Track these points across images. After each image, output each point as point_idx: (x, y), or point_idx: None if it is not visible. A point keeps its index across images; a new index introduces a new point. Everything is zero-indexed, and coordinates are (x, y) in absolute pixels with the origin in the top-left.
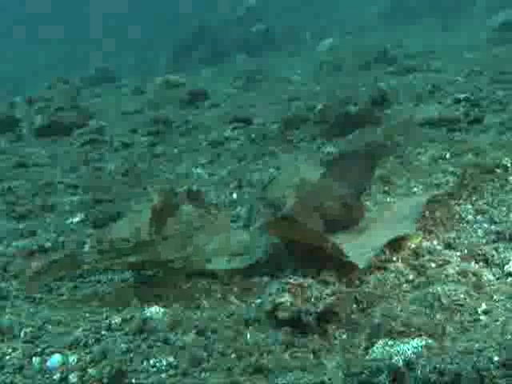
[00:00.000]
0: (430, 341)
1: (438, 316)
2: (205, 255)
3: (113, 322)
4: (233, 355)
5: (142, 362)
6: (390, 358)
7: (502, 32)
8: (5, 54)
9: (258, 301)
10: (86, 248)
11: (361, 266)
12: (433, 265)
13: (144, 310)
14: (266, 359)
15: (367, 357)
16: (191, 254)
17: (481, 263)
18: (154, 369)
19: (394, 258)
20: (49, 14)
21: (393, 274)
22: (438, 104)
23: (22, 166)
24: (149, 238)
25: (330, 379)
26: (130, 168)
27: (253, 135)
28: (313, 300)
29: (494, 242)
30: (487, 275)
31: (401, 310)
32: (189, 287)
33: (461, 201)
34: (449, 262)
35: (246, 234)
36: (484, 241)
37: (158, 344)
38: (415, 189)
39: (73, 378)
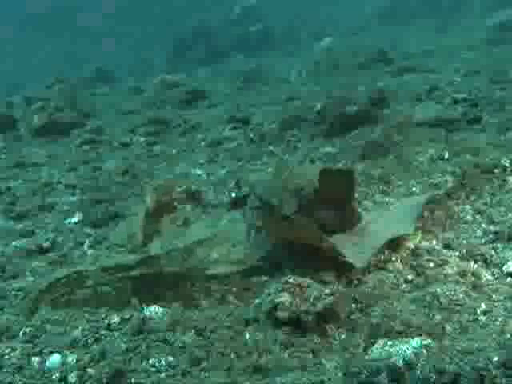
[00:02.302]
0: (429, 341)
1: (437, 316)
2: (206, 265)
3: (112, 321)
4: (232, 355)
5: (142, 362)
6: (390, 358)
7: (500, 32)
8: (3, 54)
9: (257, 301)
10: (85, 247)
11: (358, 266)
12: (432, 265)
13: (143, 310)
14: (265, 359)
15: (367, 357)
16: (193, 264)
17: (480, 263)
18: (154, 368)
19: (393, 258)
20: (48, 14)
21: (392, 274)
22: (436, 104)
23: (21, 166)
24: (142, 238)
25: (329, 379)
26: (129, 168)
27: (251, 135)
28: (312, 300)
29: (492, 242)
30: (486, 275)
31: (400, 310)
32: (188, 287)
33: (459, 201)
34: (448, 262)
35: (246, 242)
36: (483, 241)
37: (158, 344)
38: (414, 189)
39: (72, 377)
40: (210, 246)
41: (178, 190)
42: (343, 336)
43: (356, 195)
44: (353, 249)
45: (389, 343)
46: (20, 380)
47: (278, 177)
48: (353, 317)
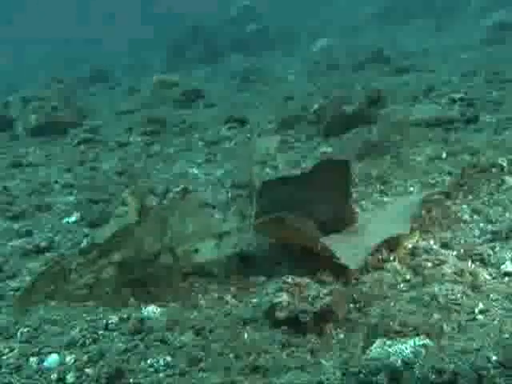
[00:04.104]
0: (427, 340)
1: (435, 315)
2: (187, 241)
3: (110, 321)
4: (230, 355)
5: (140, 362)
6: (388, 358)
7: (496, 32)
8: (1, 54)
9: (256, 300)
10: (83, 247)
11: (352, 267)
12: (430, 264)
13: (141, 310)
14: (263, 359)
15: (365, 356)
16: (172, 241)
17: (477, 263)
18: (152, 368)
19: (391, 258)
20: (46, 14)
21: (390, 274)
22: (434, 104)
23: (18, 166)
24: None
25: (328, 379)
26: (126, 168)
27: (248, 135)
28: (310, 299)
29: (490, 241)
30: (484, 275)
31: (398, 310)
32: (186, 287)
33: (457, 200)
34: (445, 262)
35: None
36: (480, 240)
37: (156, 344)
38: (412, 188)
39: (70, 377)
40: (183, 215)
41: (176, 189)
42: (342, 336)
43: (353, 191)
44: (347, 249)
45: (387, 343)
46: (18, 380)
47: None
48: (351, 316)
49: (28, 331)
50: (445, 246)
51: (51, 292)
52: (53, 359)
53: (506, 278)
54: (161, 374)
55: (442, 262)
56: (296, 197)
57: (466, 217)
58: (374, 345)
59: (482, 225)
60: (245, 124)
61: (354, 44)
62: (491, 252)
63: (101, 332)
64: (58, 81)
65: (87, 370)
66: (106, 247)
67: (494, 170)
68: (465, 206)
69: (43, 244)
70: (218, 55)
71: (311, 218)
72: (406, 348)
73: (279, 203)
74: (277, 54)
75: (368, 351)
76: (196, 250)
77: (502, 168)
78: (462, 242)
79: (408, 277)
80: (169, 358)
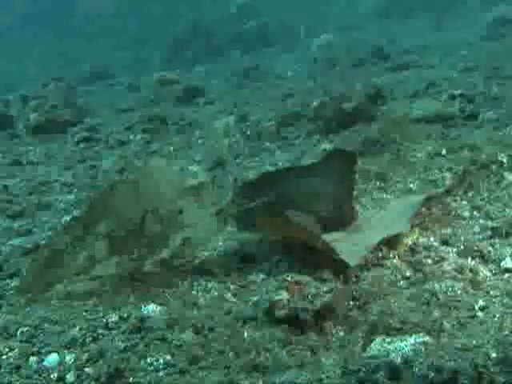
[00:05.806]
0: (427, 338)
1: (435, 313)
2: (165, 199)
3: (110, 320)
4: (230, 353)
5: (140, 361)
6: (388, 355)
7: (496, 28)
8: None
9: (255, 299)
10: None
11: (352, 265)
12: (429, 261)
13: (141, 309)
14: (263, 357)
15: (365, 354)
16: (151, 202)
17: (477, 259)
18: (152, 367)
19: (391, 255)
20: (44, 13)
21: (390, 271)
22: (433, 100)
23: (17, 165)
24: None
25: (327, 377)
26: (126, 166)
27: (248, 132)
28: (310, 297)
29: (490, 238)
30: (484, 271)
31: (398, 307)
32: (186, 286)
33: (457, 197)
34: (445, 259)
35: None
36: (480, 237)
37: (156, 342)
38: (412, 185)
39: (70, 377)
40: (151, 175)
41: None
42: (341, 334)
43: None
44: (348, 247)
45: (387, 340)
46: (18, 380)
47: None
48: (351, 314)
49: (28, 330)
50: (445, 242)
51: (50, 280)
52: (52, 358)
53: (506, 275)
54: (161, 373)
55: (442, 259)
56: (296, 193)
57: (466, 213)
58: (374, 342)
59: (481, 221)
60: (245, 121)
61: (354, 41)
62: (491, 248)
63: (100, 331)
64: (58, 79)
65: (87, 369)
66: (87, 220)
67: (493, 166)
68: (464, 203)
69: (43, 243)
70: (217, 53)
71: (312, 215)
72: (406, 345)
73: (280, 199)
74: (277, 51)
75: (368, 349)
76: (180, 211)
77: (501, 164)
78: (462, 238)
79: (408, 274)
80: (169, 357)
